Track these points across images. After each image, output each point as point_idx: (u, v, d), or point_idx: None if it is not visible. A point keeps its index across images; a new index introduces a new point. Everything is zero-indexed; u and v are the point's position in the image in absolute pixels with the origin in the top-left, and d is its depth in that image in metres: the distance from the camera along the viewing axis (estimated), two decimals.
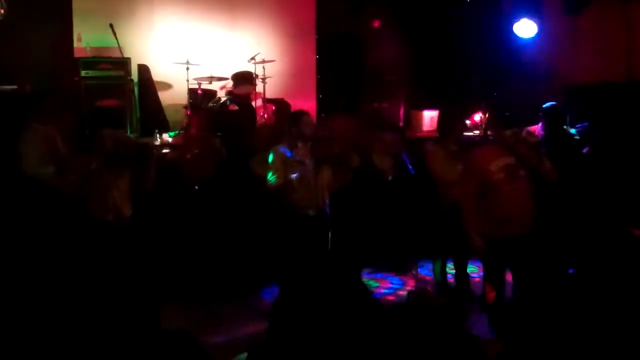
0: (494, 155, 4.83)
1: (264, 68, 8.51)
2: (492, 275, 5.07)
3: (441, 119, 6.14)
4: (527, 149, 4.83)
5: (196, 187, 6.41)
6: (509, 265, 4.94)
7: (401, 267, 6.92)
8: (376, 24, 9.43)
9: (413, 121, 9.04)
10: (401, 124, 8.93)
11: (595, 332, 2.75)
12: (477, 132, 8.36)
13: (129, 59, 7.96)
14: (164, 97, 8.52)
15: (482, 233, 4.83)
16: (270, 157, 5.58)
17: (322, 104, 9.26)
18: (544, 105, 6.88)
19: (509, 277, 5.11)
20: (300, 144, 5.52)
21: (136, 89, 8.22)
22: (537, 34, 8.61)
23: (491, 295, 5.02)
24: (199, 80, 8.03)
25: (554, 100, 7.02)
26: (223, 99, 8.12)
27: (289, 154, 5.53)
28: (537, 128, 6.79)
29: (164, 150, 6.97)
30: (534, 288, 4.36)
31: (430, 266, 6.45)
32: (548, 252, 4.93)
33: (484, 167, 4.79)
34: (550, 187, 5.02)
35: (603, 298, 2.91)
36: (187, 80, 8.01)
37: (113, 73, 7.84)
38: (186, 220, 6.40)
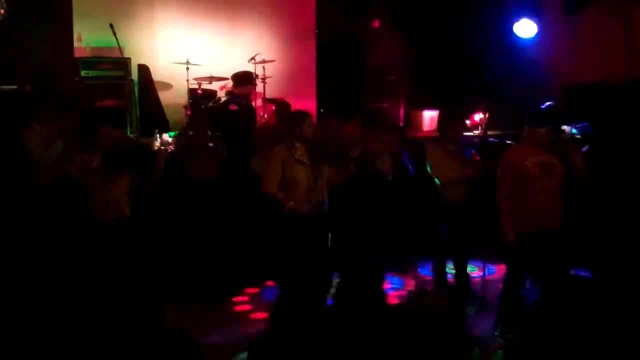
0: (530, 152, 5.05)
1: (264, 68, 8.52)
2: (513, 274, 5.19)
3: (441, 119, 6.16)
4: (560, 146, 5.02)
5: (197, 188, 6.41)
6: (534, 261, 5.00)
7: (401, 267, 6.92)
8: (376, 24, 9.44)
9: (413, 121, 9.05)
10: (401, 124, 8.93)
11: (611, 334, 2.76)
12: (477, 132, 8.39)
13: (129, 59, 7.98)
14: (164, 97, 8.52)
15: (514, 227, 5.01)
16: (270, 157, 5.58)
17: (322, 104, 9.25)
18: (542, 106, 6.90)
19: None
20: (299, 144, 5.52)
21: (136, 89, 8.23)
22: (537, 34, 8.60)
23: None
24: (199, 80, 8.03)
25: (553, 100, 7.01)
26: (223, 99, 8.12)
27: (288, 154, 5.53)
28: None
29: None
30: (556, 286, 4.45)
31: (430, 266, 6.44)
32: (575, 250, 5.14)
33: (521, 162, 5.02)
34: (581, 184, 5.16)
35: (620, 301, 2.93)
36: (187, 80, 8.02)
37: (113, 73, 7.87)
38: (186, 220, 6.41)
